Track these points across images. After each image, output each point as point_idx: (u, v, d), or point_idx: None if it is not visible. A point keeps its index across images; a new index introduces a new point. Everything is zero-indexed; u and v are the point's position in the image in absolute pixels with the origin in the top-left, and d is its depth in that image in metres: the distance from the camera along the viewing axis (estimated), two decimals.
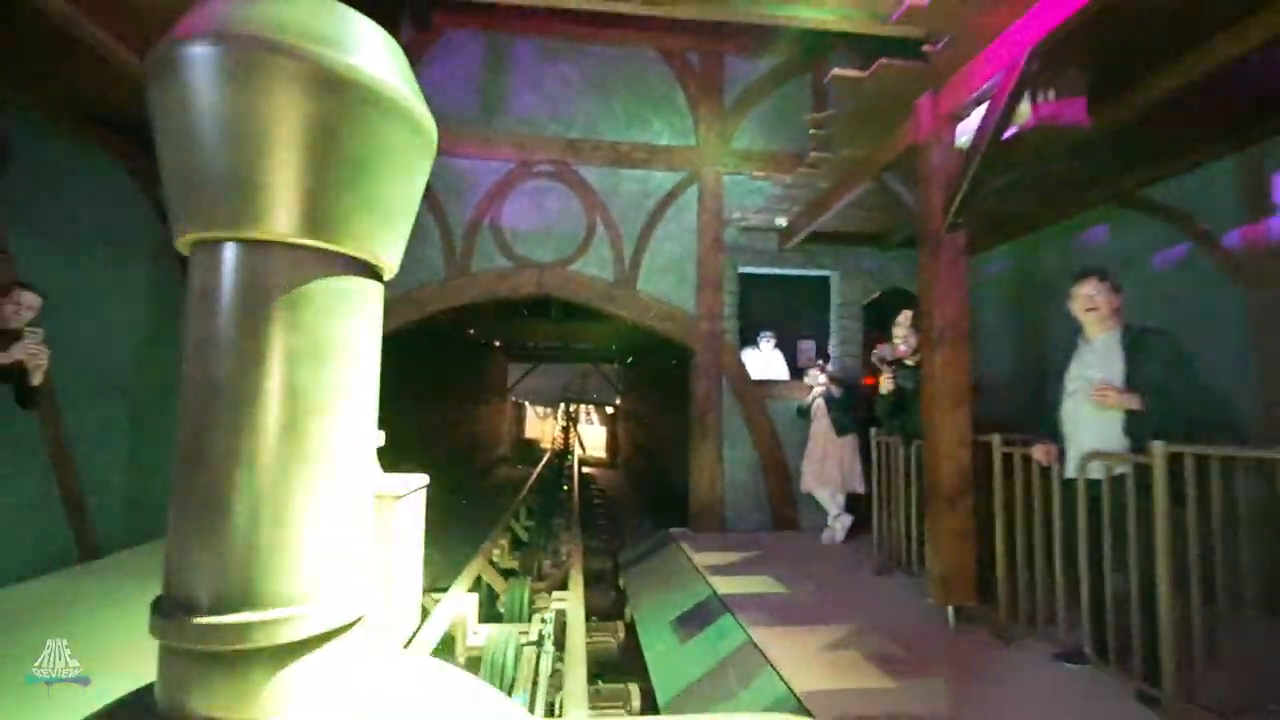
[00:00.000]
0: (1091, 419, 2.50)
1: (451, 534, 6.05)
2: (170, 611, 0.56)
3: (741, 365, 5.75)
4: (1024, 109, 2.81)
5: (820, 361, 5.61)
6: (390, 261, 0.66)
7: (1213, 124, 3.43)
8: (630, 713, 3.06)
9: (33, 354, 2.79)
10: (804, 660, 2.63)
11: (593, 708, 2.99)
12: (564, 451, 18.05)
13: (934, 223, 3.25)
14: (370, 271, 0.64)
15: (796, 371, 5.90)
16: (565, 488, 10.10)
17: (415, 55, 5.49)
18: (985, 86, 2.91)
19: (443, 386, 9.62)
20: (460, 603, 3.69)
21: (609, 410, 21.26)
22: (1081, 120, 2.78)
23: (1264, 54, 2.56)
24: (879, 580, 3.87)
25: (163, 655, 0.57)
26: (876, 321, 5.77)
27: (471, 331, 10.48)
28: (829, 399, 5.04)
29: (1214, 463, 2.11)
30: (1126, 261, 4.27)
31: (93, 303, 4.00)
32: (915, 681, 2.44)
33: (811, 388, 5.20)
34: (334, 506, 0.59)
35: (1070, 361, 2.70)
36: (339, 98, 0.56)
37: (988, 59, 2.87)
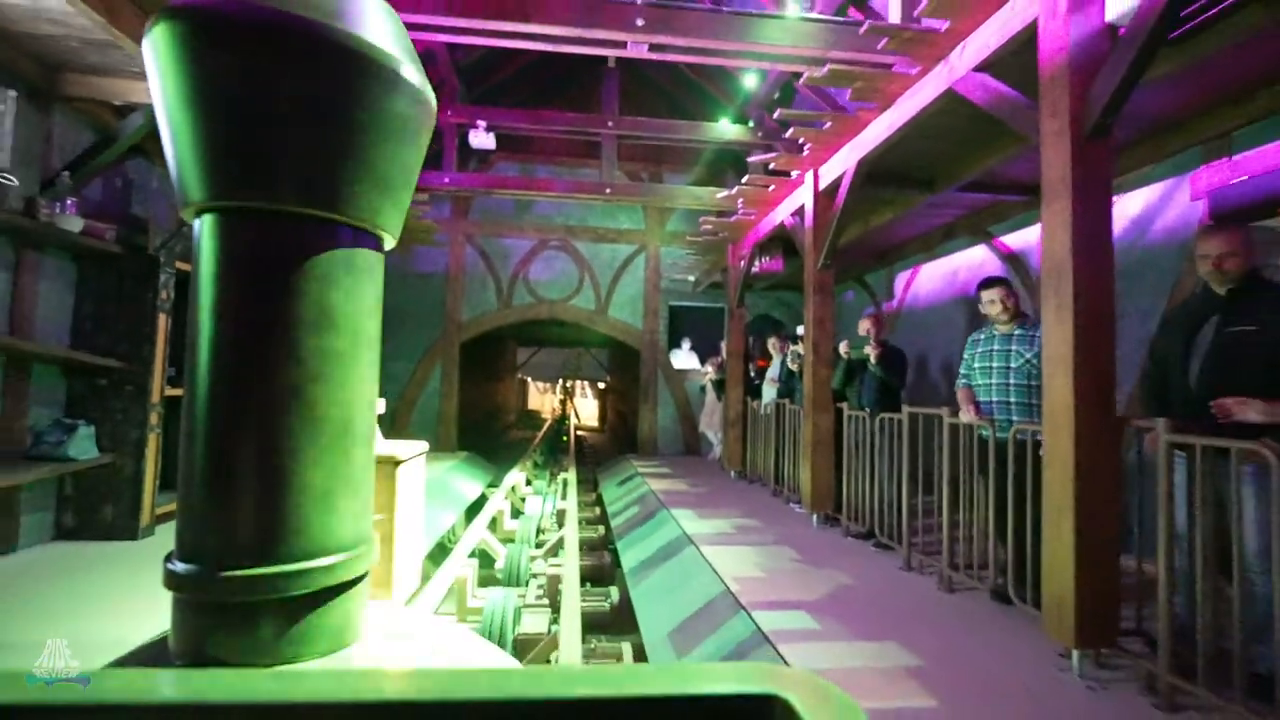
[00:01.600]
0: (768, 390, 6.59)
1: (502, 458, 10.16)
2: (182, 566, 0.60)
3: (669, 360, 9.81)
4: (757, 263, 6.84)
5: (714, 359, 9.66)
6: (391, 230, 0.68)
7: (870, 258, 7.46)
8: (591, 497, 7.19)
9: None
10: (662, 485, 6.71)
11: (580, 515, 7.08)
12: (561, 419, 22.14)
13: (732, 302, 7.31)
14: (372, 241, 0.66)
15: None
16: (565, 438, 14.28)
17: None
18: (744, 251, 6.94)
19: (483, 369, 13.63)
20: (516, 476, 7.81)
21: (600, 386, 25.36)
22: (779, 270, 6.80)
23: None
24: (720, 470, 7.99)
25: (176, 607, 0.61)
26: (756, 332, 9.80)
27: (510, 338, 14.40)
28: (713, 380, 9.12)
29: (789, 407, 6.18)
30: (854, 308, 8.32)
31: None
32: (703, 490, 6.53)
33: (705, 374, 9.26)
34: (338, 469, 0.63)
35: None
36: (340, 68, 0.58)
37: (745, 242, 6.90)
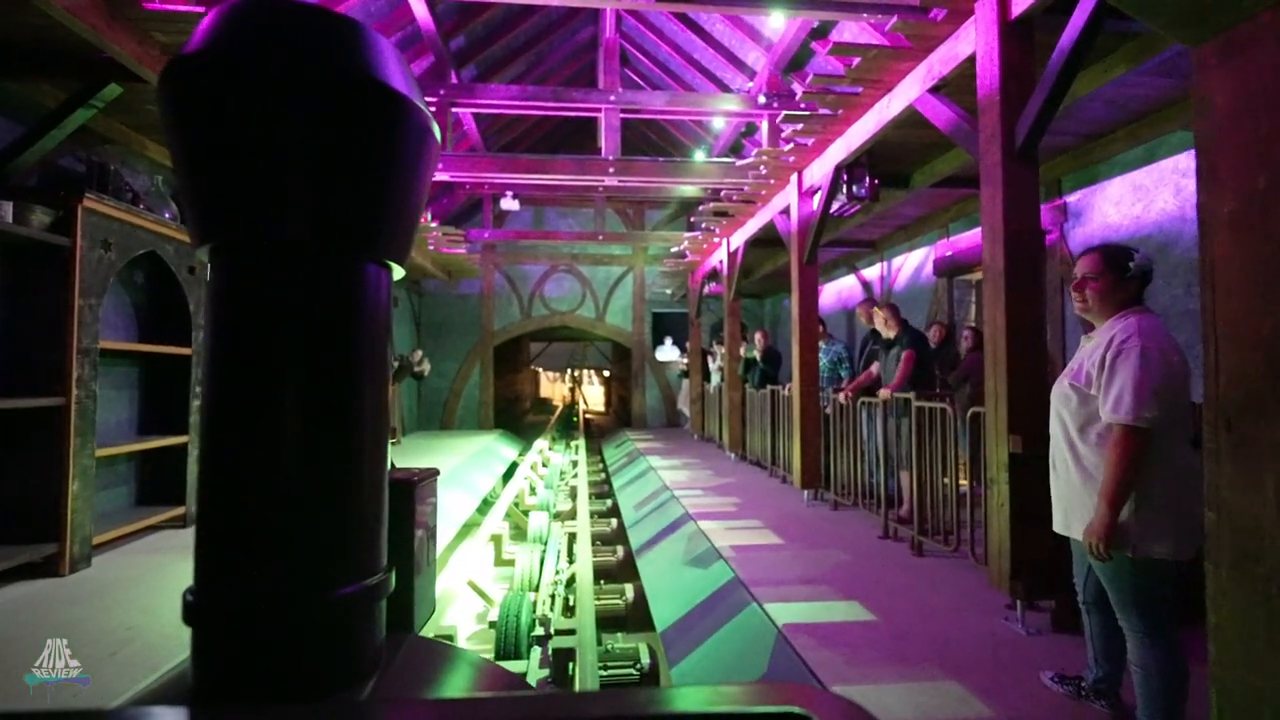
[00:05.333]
0: (715, 376, 9.49)
1: (525, 435, 13.15)
2: (203, 599, 0.60)
3: (654, 354, 12.73)
4: (707, 287, 9.69)
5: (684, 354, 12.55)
6: (398, 260, 0.69)
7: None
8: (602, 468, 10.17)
9: (425, 365, 9.74)
10: (644, 445, 9.64)
11: (588, 468, 10.03)
12: (571, 405, 25.14)
13: (692, 314, 10.19)
14: (379, 273, 0.68)
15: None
16: (575, 419, 17.31)
17: (501, 222, 12.25)
18: (699, 278, 9.80)
19: (505, 365, 16.60)
20: (542, 444, 10.79)
21: (605, 374, 28.30)
22: (722, 292, 9.66)
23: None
24: (688, 436, 10.90)
25: (196, 640, 0.61)
26: (717, 332, 12.68)
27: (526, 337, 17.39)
28: (685, 370, 12.03)
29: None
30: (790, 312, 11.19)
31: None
32: (671, 446, 9.46)
33: (682, 364, 12.17)
34: (353, 495, 0.64)
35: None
36: (347, 106, 0.60)
37: (699, 272, 9.76)
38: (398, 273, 0.72)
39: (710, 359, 10.12)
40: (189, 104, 0.59)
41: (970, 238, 6.21)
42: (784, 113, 4.18)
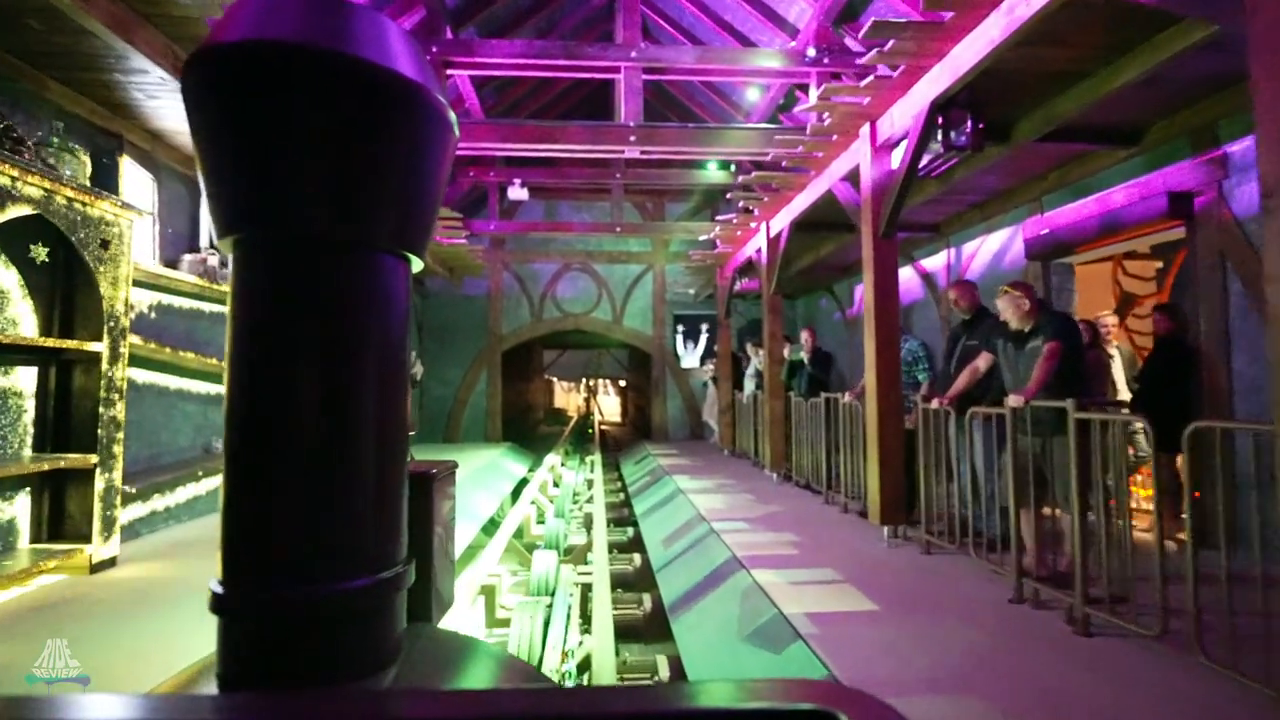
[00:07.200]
0: (749, 384, 8.36)
1: (537, 449, 12.10)
2: (226, 588, 0.61)
3: (676, 360, 11.63)
4: (738, 283, 8.59)
5: (713, 360, 11.44)
6: (417, 251, 0.70)
7: (836, 272, 9.16)
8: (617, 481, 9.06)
9: (418, 368, 8.74)
10: (667, 461, 8.53)
11: (605, 486, 8.94)
12: (586, 415, 24.10)
13: (720, 314, 9.09)
14: (397, 264, 0.68)
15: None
16: (590, 430, 16.23)
17: (510, 216, 11.28)
18: (728, 274, 8.70)
19: (516, 373, 15.60)
20: (553, 459, 9.72)
21: (621, 383, 27.25)
22: (756, 288, 8.55)
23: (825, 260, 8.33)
24: (716, 450, 9.77)
25: (220, 630, 0.62)
26: (746, 335, 11.56)
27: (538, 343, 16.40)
28: (713, 377, 10.91)
29: (763, 398, 7.95)
30: (827, 313, 10.04)
31: None
32: (699, 463, 8.35)
33: (707, 371, 11.06)
34: (374, 487, 0.65)
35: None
36: (367, 97, 0.61)
37: (728, 266, 8.67)
38: (416, 265, 0.71)
39: (743, 363, 9.01)
40: (213, 96, 0.60)
41: (1075, 211, 5.05)
42: (872, 20, 3.10)
